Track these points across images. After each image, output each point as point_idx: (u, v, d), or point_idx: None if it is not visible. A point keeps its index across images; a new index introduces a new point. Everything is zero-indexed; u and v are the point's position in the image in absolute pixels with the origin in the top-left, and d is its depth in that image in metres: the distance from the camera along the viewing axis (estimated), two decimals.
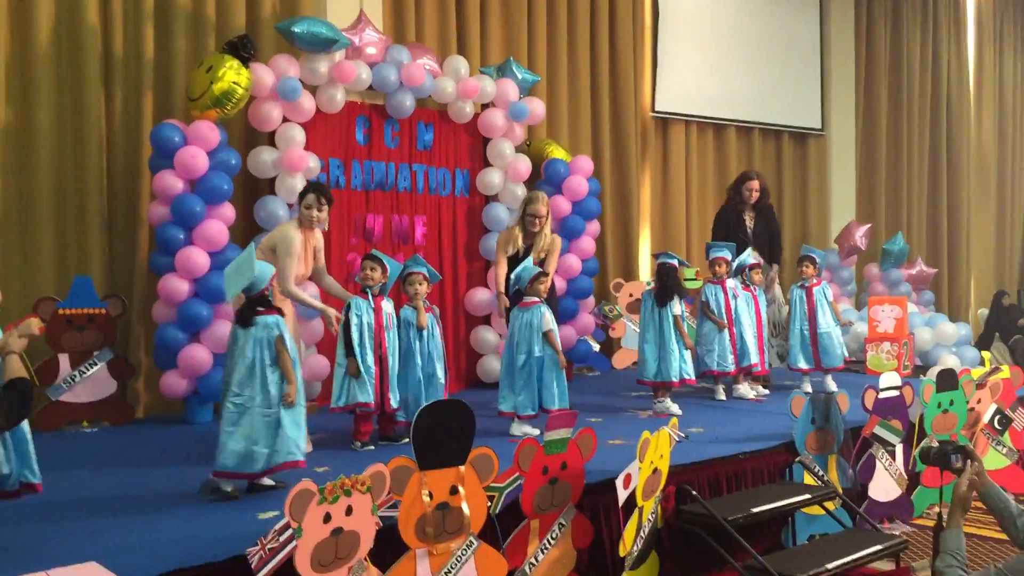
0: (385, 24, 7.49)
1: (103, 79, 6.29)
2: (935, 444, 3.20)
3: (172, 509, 3.87)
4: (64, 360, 5.81)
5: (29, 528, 3.58)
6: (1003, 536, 3.30)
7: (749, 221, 7.38)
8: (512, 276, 5.62)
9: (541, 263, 6.01)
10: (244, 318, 4.18)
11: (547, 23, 8.64)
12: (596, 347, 8.39)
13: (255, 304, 4.20)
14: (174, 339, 5.88)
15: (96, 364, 5.89)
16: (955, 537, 2.93)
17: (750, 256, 7.00)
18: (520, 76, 7.62)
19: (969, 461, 3.08)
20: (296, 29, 6.27)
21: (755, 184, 7.37)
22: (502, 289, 6.05)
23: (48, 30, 6.07)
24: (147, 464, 4.81)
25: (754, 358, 6.73)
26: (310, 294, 5.51)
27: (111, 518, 3.75)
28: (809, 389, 6.80)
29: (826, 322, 6.92)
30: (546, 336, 5.33)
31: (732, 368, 6.61)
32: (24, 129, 6.02)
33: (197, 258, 5.83)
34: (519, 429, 5.35)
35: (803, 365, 6.92)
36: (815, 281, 6.98)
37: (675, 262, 6.28)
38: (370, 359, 5.06)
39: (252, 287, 4.17)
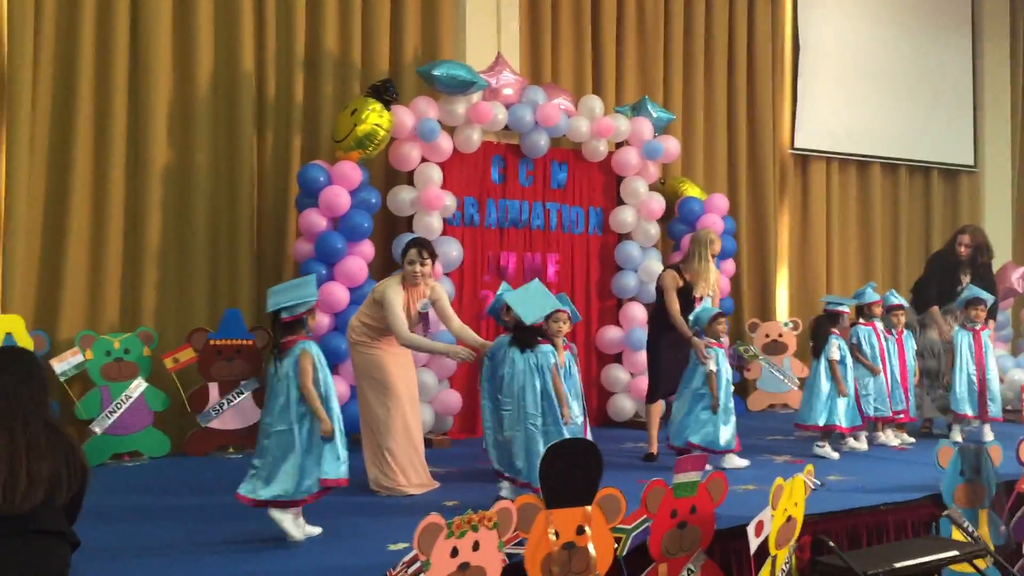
0: (522, 65, 7.64)
1: (256, 122, 6.67)
2: None
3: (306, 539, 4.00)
4: (214, 388, 6.12)
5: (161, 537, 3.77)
6: None
7: (964, 277, 7.13)
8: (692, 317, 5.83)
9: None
10: (523, 342, 4.64)
11: (683, 60, 8.62)
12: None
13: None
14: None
15: (243, 393, 6.18)
16: None
17: (893, 296, 6.74)
18: (655, 114, 7.62)
19: None
20: (436, 72, 6.48)
21: (965, 239, 7.15)
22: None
23: (207, 75, 6.48)
24: None
25: (900, 404, 6.45)
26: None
27: (245, 546, 3.90)
28: (959, 438, 6.44)
29: (993, 368, 6.60)
30: None
31: (888, 413, 6.38)
32: (183, 169, 6.43)
33: (338, 293, 6.06)
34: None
35: (968, 411, 6.56)
36: (983, 325, 6.66)
37: (843, 307, 6.26)
38: None
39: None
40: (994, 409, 6.59)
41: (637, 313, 7.45)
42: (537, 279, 5.18)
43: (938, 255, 7.51)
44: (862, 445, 6.27)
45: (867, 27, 9.79)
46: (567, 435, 4.54)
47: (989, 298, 6.75)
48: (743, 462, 5.73)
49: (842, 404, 6.06)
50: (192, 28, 6.42)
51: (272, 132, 6.72)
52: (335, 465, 4.03)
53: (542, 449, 4.20)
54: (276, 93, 6.74)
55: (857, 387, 6.26)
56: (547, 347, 4.69)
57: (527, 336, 4.68)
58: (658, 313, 6.19)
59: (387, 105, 6.29)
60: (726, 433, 5.65)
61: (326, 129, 6.71)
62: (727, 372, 5.79)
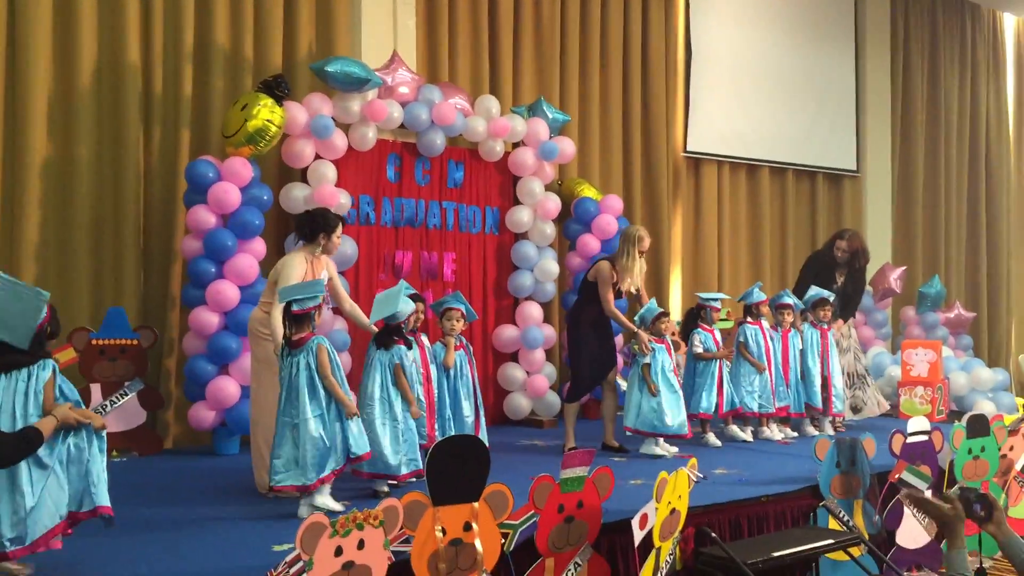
0: (419, 64, 7.62)
1: (142, 116, 6.46)
2: (956, 491, 3.13)
3: (190, 540, 3.92)
4: (96, 390, 5.92)
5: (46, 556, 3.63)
6: None
7: (840, 277, 7.38)
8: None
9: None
10: (381, 342, 4.92)
11: (580, 63, 8.72)
12: (625, 385, 8.33)
13: (392, 332, 4.91)
14: (203, 371, 5.97)
15: (127, 394, 5.99)
16: (960, 557, 2.90)
17: (786, 295, 6.99)
18: (550, 116, 7.70)
19: (992, 511, 3.01)
20: (330, 69, 6.41)
21: (843, 244, 7.48)
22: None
23: (90, 67, 6.26)
24: (170, 495, 4.87)
25: (784, 400, 6.70)
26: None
27: (128, 549, 3.79)
28: (831, 431, 6.77)
29: (836, 365, 7.01)
30: None
31: (772, 409, 6.61)
32: (64, 163, 6.19)
33: (228, 291, 5.93)
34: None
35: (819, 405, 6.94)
36: (829, 324, 7.05)
37: (715, 303, 6.61)
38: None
39: (394, 317, 4.88)
40: (838, 405, 6.98)
41: (533, 312, 7.53)
42: (403, 281, 5.28)
43: (815, 256, 7.83)
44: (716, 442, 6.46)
45: (756, 35, 10.10)
46: (402, 429, 4.84)
47: (831, 297, 7.12)
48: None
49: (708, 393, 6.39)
50: (74, 17, 6.18)
51: (160, 126, 6.53)
52: (361, 440, 4.49)
53: (380, 439, 4.75)
54: (164, 86, 6.55)
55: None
56: (401, 347, 4.93)
57: (384, 336, 4.95)
58: (581, 309, 6.28)
59: (279, 101, 6.19)
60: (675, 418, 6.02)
61: (216, 124, 6.56)
62: (669, 363, 6.17)
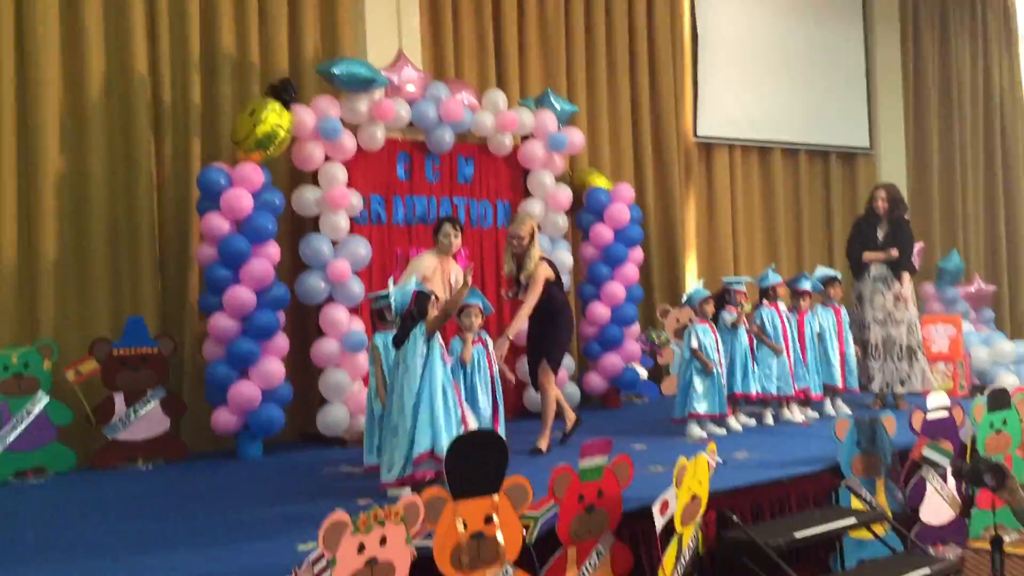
0: (424, 62, 7.64)
1: (152, 126, 6.53)
2: (970, 462, 3.13)
3: (218, 541, 3.96)
4: (119, 399, 5.98)
5: (80, 560, 3.69)
6: None
7: (881, 233, 7.33)
8: None
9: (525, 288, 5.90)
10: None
11: (585, 53, 8.73)
12: (644, 374, 8.36)
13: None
14: (224, 376, 6.02)
15: (150, 402, 6.05)
16: None
17: (804, 279, 6.97)
18: (558, 107, 7.70)
19: (1005, 478, 3.01)
20: (336, 70, 6.44)
21: (881, 192, 7.41)
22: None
23: (99, 80, 6.32)
24: (196, 499, 4.93)
25: (803, 382, 6.69)
26: None
27: (157, 551, 3.85)
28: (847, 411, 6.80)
29: (850, 342, 7.07)
30: None
31: (791, 391, 6.61)
32: (78, 177, 6.26)
33: (244, 297, 5.98)
34: None
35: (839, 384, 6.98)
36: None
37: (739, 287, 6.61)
38: None
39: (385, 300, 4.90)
40: (851, 381, 7.01)
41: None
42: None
43: (858, 218, 7.74)
44: (736, 425, 6.41)
45: (762, 14, 10.06)
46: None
47: (839, 276, 7.17)
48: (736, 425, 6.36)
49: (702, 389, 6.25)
50: (81, 32, 6.24)
51: (170, 136, 6.59)
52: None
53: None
54: (172, 96, 6.60)
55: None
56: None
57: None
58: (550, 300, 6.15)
59: (287, 105, 6.23)
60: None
61: (226, 131, 6.60)
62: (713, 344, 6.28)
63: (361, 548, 3.15)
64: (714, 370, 6.12)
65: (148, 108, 6.48)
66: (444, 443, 4.40)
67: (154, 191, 6.52)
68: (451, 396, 4.70)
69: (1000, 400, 5.33)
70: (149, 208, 6.46)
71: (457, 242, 5.84)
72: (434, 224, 7.07)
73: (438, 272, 5.72)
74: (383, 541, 3.21)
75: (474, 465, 3.53)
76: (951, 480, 5.15)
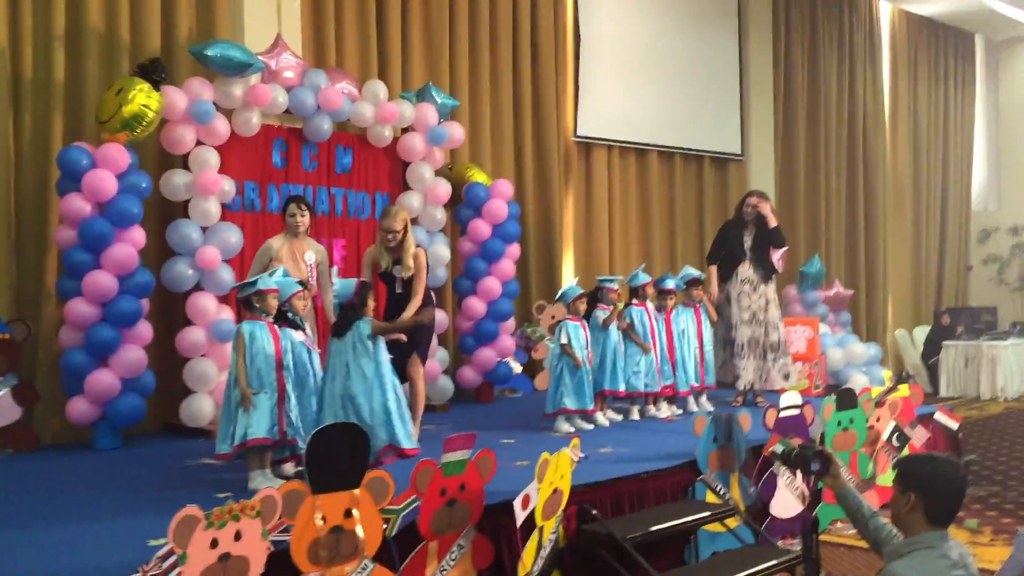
0: (305, 49, 7.51)
1: (11, 101, 6.22)
2: (795, 447, 3.30)
3: (62, 536, 3.82)
4: None
5: None
6: (860, 543, 3.41)
7: (748, 237, 7.54)
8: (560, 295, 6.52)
9: (410, 281, 5.75)
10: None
11: (469, 48, 8.75)
12: (518, 369, 8.45)
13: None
14: (81, 364, 5.79)
15: (0, 390, 5.77)
16: (851, 494, 3.12)
17: (668, 279, 7.15)
18: (439, 101, 7.70)
19: (829, 464, 3.19)
20: (209, 53, 6.27)
21: (752, 200, 7.58)
22: None
23: None
24: (45, 492, 4.72)
25: (668, 379, 6.89)
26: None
27: None
28: (710, 408, 7.03)
29: (709, 341, 7.27)
30: None
31: (657, 388, 6.78)
32: None
33: (105, 282, 5.75)
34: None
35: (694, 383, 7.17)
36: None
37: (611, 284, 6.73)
38: None
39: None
40: (709, 379, 7.25)
41: None
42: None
43: (726, 222, 7.99)
44: (603, 421, 6.51)
45: (643, 20, 10.30)
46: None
47: (702, 276, 7.33)
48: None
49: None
50: None
51: (30, 112, 6.28)
52: None
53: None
54: (34, 71, 6.30)
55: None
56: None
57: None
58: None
59: (156, 85, 6.03)
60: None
61: (90, 110, 6.33)
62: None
63: (215, 543, 3.10)
64: (583, 367, 6.23)
65: (7, 82, 6.17)
66: (401, 434, 4.75)
67: (11, 169, 6.22)
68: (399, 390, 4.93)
69: (847, 400, 5.63)
70: (5, 186, 6.16)
71: (303, 220, 5.68)
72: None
73: (286, 252, 5.62)
74: (237, 536, 3.16)
75: (335, 458, 3.51)
76: (799, 476, 5.41)
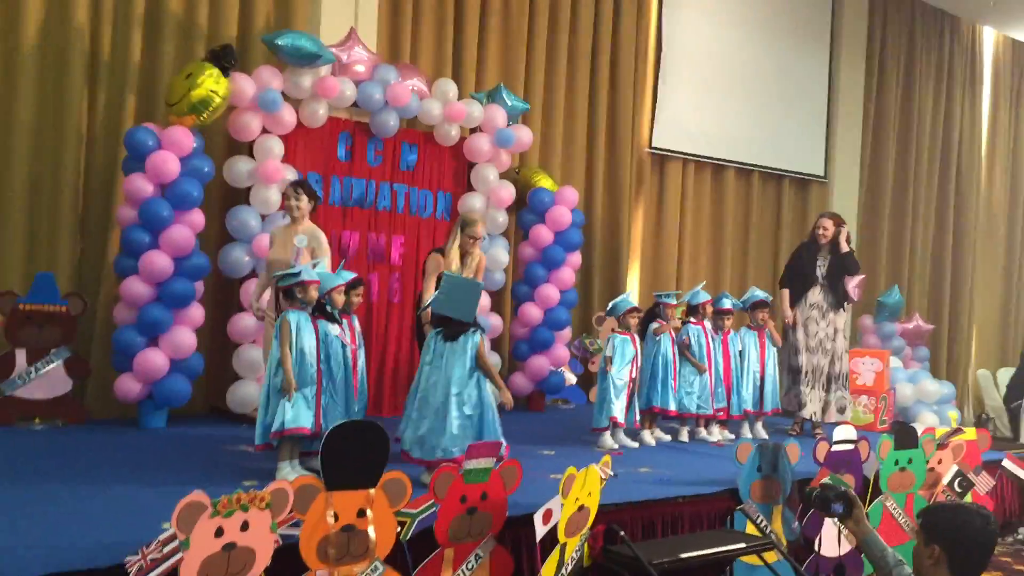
0: (380, 43, 7.52)
1: (87, 79, 6.35)
2: (817, 487, 3.09)
3: (81, 512, 3.83)
4: (21, 355, 5.81)
5: None
6: None
7: (823, 261, 7.30)
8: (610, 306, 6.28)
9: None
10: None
11: (547, 52, 8.65)
12: (572, 380, 8.31)
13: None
14: (132, 342, 5.86)
15: (53, 362, 5.89)
16: (875, 541, 2.91)
17: (726, 298, 6.92)
18: (509, 103, 7.61)
19: (852, 507, 2.99)
20: (280, 42, 6.30)
21: (824, 222, 7.32)
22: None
23: (36, 26, 6.14)
24: (85, 466, 4.76)
25: (721, 402, 6.66)
26: None
27: (8, 517, 3.70)
28: (763, 435, 6.78)
29: (772, 366, 7.00)
30: None
31: (710, 411, 6.57)
32: (3, 124, 6.06)
33: (161, 262, 5.82)
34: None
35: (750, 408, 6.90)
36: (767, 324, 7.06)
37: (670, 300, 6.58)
38: None
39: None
40: (768, 405, 6.93)
41: (482, 300, 7.44)
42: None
43: (799, 246, 7.71)
44: (649, 440, 6.36)
45: (730, 32, 10.04)
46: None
47: (769, 299, 7.06)
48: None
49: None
50: None
51: (104, 92, 6.41)
52: None
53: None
54: (112, 50, 6.43)
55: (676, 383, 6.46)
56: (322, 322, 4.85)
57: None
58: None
59: (225, 71, 6.08)
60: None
61: (163, 93, 6.42)
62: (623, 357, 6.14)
63: (220, 532, 3.05)
64: (627, 382, 6.04)
65: (84, 61, 6.31)
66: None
67: (82, 146, 6.35)
68: None
69: (907, 438, 5.33)
70: (75, 163, 6.29)
71: (297, 204, 5.35)
72: (370, 208, 7.04)
73: (280, 236, 5.44)
74: (245, 526, 3.11)
75: (352, 456, 3.44)
76: None
